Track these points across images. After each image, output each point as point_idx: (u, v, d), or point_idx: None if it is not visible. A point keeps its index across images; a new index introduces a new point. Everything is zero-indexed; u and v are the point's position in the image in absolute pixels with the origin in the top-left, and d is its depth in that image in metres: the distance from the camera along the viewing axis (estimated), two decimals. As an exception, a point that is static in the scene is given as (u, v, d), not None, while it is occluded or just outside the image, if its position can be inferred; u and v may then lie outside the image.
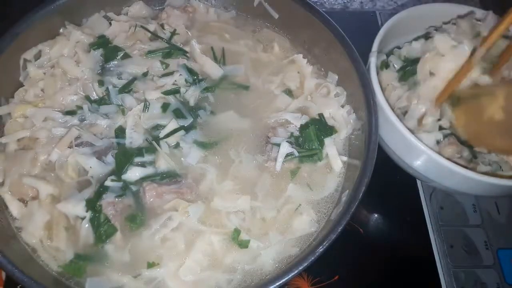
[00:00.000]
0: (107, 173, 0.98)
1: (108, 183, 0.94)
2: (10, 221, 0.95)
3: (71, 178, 0.97)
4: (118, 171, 0.97)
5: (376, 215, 1.19)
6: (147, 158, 0.99)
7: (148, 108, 1.04)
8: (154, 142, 1.00)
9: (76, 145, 0.99)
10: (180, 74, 1.10)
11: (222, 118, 1.09)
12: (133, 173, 0.97)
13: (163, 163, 0.99)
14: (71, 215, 0.93)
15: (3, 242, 0.89)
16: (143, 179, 0.97)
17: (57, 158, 0.98)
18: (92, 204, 0.92)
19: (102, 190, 0.94)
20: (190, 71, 1.11)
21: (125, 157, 0.98)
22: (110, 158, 0.98)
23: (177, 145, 1.02)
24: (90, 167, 0.97)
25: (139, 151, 0.99)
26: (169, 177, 0.98)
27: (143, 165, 0.98)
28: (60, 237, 0.92)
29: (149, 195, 0.95)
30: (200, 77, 1.12)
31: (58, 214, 0.94)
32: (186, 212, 0.94)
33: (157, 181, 0.97)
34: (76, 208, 0.92)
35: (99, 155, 0.99)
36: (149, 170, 0.98)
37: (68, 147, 0.99)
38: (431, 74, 1.08)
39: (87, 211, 0.92)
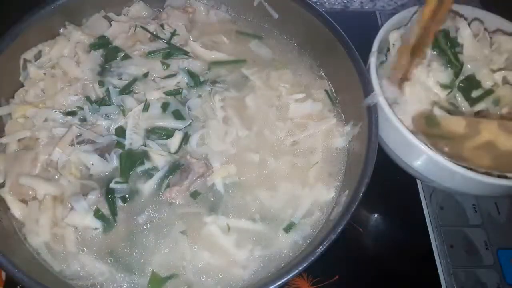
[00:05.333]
0: (109, 171, 0.98)
1: (112, 185, 0.94)
2: (12, 221, 0.95)
3: (74, 177, 0.96)
4: (123, 175, 0.97)
5: (376, 215, 1.19)
6: (147, 165, 0.99)
7: (148, 108, 1.04)
8: (147, 145, 1.00)
9: (77, 143, 0.98)
10: (182, 77, 1.10)
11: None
12: (148, 186, 0.97)
13: (161, 159, 0.99)
14: (81, 227, 0.93)
15: (4, 242, 0.89)
16: (158, 185, 0.97)
17: (59, 157, 0.97)
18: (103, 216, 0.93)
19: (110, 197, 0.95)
20: (191, 74, 1.11)
21: (130, 161, 0.98)
22: (113, 156, 0.98)
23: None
24: (92, 164, 0.97)
25: (145, 154, 0.99)
26: (175, 169, 0.98)
27: (150, 174, 0.98)
28: (65, 237, 0.92)
29: (176, 197, 0.96)
30: (202, 79, 1.11)
31: (61, 215, 0.93)
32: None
33: (171, 180, 0.97)
34: (86, 220, 0.92)
35: (101, 152, 0.99)
36: (157, 175, 0.98)
37: (70, 146, 0.98)
38: None
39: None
